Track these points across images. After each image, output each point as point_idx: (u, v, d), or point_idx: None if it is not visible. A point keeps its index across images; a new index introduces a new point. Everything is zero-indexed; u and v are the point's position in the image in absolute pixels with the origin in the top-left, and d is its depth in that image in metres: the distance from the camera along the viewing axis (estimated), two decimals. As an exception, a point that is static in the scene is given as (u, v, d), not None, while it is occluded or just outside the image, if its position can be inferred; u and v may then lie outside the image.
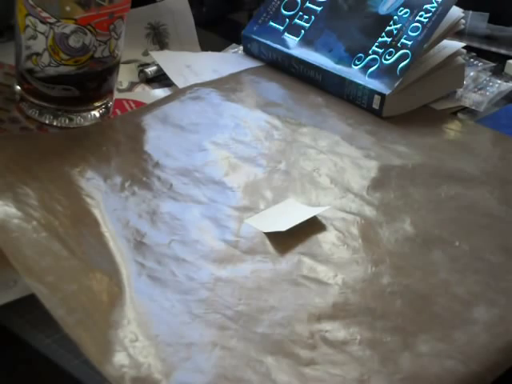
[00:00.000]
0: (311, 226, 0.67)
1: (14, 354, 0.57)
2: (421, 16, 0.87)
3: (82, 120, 0.78)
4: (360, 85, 0.86)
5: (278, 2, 0.96)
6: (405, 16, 0.88)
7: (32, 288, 0.56)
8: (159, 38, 0.97)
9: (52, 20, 0.72)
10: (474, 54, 1.01)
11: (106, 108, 0.79)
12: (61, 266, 0.59)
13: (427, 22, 0.86)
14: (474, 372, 0.55)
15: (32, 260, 0.58)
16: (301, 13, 0.94)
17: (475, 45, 1.04)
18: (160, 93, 0.87)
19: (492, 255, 0.67)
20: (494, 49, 1.04)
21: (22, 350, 0.58)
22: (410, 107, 0.88)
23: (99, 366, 0.51)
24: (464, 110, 0.91)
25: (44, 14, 0.72)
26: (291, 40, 0.93)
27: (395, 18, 0.88)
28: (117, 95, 0.82)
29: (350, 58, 0.88)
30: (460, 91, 0.93)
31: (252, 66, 0.94)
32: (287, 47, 0.93)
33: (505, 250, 0.68)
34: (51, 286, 0.56)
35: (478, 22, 1.05)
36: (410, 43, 0.86)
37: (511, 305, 0.61)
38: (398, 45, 0.86)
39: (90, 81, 0.77)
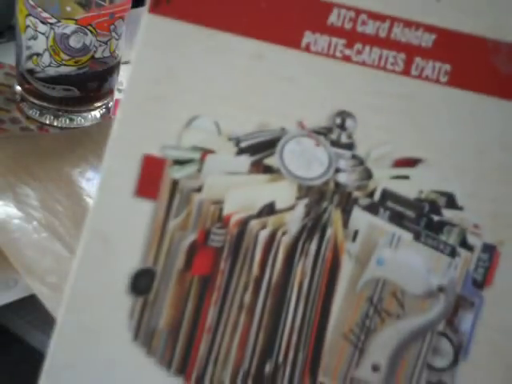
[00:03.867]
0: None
1: (14, 354, 0.57)
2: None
3: (83, 120, 0.78)
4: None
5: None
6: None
7: (33, 288, 0.56)
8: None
9: (52, 20, 0.72)
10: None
11: (107, 108, 0.79)
12: (62, 267, 0.58)
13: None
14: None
15: (33, 260, 0.58)
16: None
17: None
18: (159, 94, 0.87)
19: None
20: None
21: (23, 350, 0.57)
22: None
23: None
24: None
25: (44, 15, 0.72)
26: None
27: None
28: (117, 95, 0.81)
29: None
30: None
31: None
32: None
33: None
34: (52, 287, 0.56)
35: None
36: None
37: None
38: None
39: (91, 81, 0.76)
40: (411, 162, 0.36)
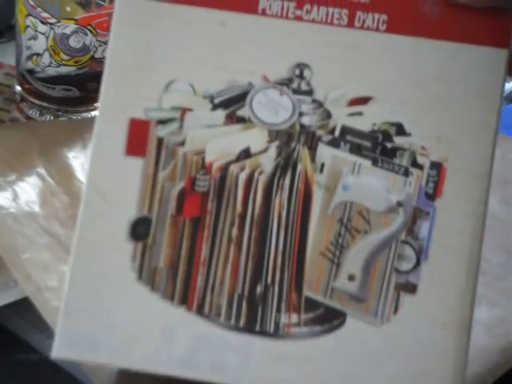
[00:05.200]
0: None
1: (13, 353, 0.58)
2: None
3: (83, 121, 0.76)
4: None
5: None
6: None
7: (31, 296, 0.55)
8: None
9: (52, 20, 0.72)
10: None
11: (107, 107, 0.80)
12: (62, 270, 0.58)
13: None
14: (475, 373, 0.55)
15: (32, 264, 0.58)
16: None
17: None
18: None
19: (492, 255, 0.66)
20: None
21: (22, 350, 0.58)
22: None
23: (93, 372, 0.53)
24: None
25: (44, 15, 0.72)
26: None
27: None
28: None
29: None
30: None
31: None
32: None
33: (505, 250, 0.67)
34: (49, 293, 0.56)
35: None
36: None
37: (512, 305, 0.61)
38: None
39: (91, 81, 0.76)
40: (363, 100, 0.42)
